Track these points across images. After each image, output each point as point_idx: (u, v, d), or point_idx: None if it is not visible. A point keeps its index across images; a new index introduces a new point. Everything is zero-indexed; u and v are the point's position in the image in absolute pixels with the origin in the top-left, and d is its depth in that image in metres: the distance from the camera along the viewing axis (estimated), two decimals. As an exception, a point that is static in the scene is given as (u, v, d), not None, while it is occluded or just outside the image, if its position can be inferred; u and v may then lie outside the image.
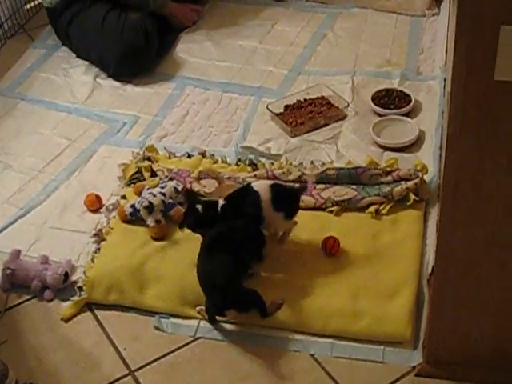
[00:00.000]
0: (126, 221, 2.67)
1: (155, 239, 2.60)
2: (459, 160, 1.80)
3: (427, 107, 3.13)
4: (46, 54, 3.67)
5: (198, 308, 2.38)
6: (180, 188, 2.69)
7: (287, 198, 2.49)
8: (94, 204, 2.76)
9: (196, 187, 2.74)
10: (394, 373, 2.21)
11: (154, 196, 2.64)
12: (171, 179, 2.76)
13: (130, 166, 2.89)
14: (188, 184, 2.75)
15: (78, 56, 3.58)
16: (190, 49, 3.57)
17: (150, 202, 2.62)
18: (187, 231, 2.50)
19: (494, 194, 1.84)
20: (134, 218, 2.66)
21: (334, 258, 2.49)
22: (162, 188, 2.69)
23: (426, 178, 2.73)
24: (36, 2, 3.97)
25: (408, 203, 2.64)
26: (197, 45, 3.59)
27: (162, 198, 2.64)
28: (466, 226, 1.91)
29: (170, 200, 2.65)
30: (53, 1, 3.50)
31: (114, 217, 2.70)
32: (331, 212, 2.65)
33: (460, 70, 1.67)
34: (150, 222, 2.62)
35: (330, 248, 2.49)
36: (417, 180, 2.67)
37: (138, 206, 2.64)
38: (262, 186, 2.46)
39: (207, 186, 2.75)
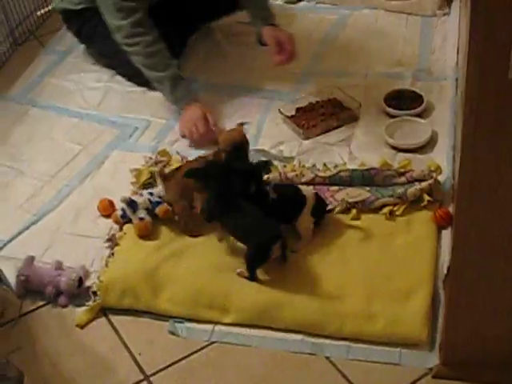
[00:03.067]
0: (119, 223, 2.70)
1: (140, 236, 2.63)
2: (474, 160, 1.79)
3: (439, 107, 3.12)
4: (57, 60, 3.67)
5: (238, 270, 2.44)
6: None
7: (322, 208, 2.60)
8: (107, 209, 2.76)
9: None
10: (410, 375, 2.19)
11: (142, 196, 2.69)
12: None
13: (143, 170, 2.88)
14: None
15: (100, 54, 3.55)
16: (202, 52, 3.57)
17: (131, 200, 2.66)
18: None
19: (509, 195, 1.83)
20: (125, 220, 2.68)
21: (347, 260, 2.48)
22: (152, 189, 2.73)
23: (440, 178, 2.72)
24: (47, 9, 3.98)
25: (422, 204, 2.63)
26: (209, 47, 3.58)
27: (149, 196, 2.68)
28: (481, 227, 1.90)
29: (157, 199, 2.68)
30: (79, 2, 3.42)
31: (127, 221, 2.70)
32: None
33: (474, 70, 1.66)
34: (134, 219, 2.64)
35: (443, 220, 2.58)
36: (431, 181, 2.66)
37: (124, 207, 2.67)
38: (308, 193, 2.58)
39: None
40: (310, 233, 2.56)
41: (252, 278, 2.43)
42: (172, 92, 3.12)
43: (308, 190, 2.60)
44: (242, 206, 2.47)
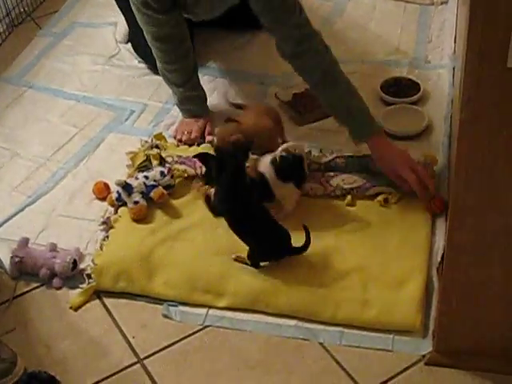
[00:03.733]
0: (114, 206, 2.70)
1: (135, 220, 2.63)
2: (471, 148, 1.79)
3: (436, 96, 3.12)
4: (54, 42, 3.66)
5: (233, 255, 2.44)
6: (166, 171, 2.72)
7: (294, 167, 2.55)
8: (103, 192, 2.76)
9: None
10: (403, 361, 2.20)
11: (137, 179, 2.69)
12: (181, 163, 2.81)
13: (139, 154, 2.88)
14: (198, 168, 2.76)
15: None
16: (200, 36, 3.55)
17: (127, 183, 2.67)
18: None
19: (505, 182, 1.83)
20: (120, 203, 2.69)
21: (343, 246, 2.49)
22: (148, 172, 2.73)
23: (435, 167, 2.72)
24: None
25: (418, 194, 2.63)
26: (207, 32, 3.56)
27: (144, 180, 2.69)
28: (476, 214, 1.90)
29: (152, 182, 2.68)
30: None
31: (122, 205, 2.69)
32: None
33: (472, 57, 1.66)
34: (129, 202, 2.65)
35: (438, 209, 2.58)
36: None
37: (119, 190, 2.67)
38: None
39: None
40: (292, 201, 2.58)
41: (256, 266, 2.44)
42: (179, 104, 3.08)
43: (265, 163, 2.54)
44: (253, 211, 2.42)
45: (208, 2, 2.99)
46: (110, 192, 2.75)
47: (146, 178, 2.70)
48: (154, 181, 2.69)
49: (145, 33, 2.96)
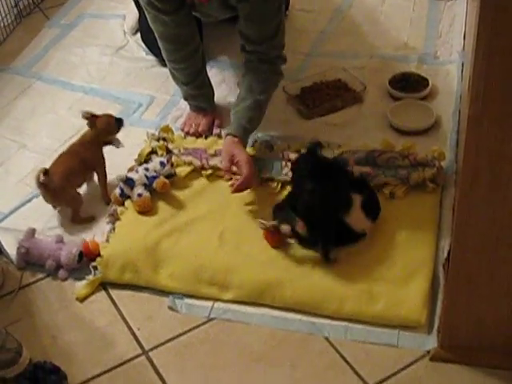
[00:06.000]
0: (120, 203, 2.69)
1: (140, 213, 2.63)
2: (479, 144, 1.79)
3: (444, 91, 3.11)
4: (62, 33, 3.67)
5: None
6: (166, 161, 2.73)
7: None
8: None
9: (212, 162, 2.78)
10: (408, 357, 2.20)
11: (137, 172, 2.70)
12: (187, 155, 2.82)
13: (145, 146, 2.88)
14: (204, 160, 2.77)
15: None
16: (209, 31, 3.55)
17: (128, 177, 2.67)
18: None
19: (512, 178, 1.83)
20: (124, 198, 2.69)
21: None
22: (147, 164, 2.75)
23: (443, 163, 2.71)
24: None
25: (427, 189, 2.63)
26: (217, 27, 3.56)
27: (145, 172, 2.69)
28: (483, 211, 1.90)
29: (153, 173, 2.69)
30: None
31: (129, 197, 2.69)
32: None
33: (482, 53, 1.65)
34: (133, 196, 2.65)
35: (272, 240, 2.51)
36: (434, 170, 2.64)
37: (121, 185, 2.68)
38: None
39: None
40: None
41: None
42: (185, 100, 3.10)
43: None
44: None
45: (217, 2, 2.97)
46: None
47: (147, 169, 2.70)
48: (155, 171, 2.70)
49: (153, 30, 2.95)
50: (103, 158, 2.75)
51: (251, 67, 2.86)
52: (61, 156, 2.70)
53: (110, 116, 2.77)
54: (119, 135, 2.80)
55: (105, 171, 2.75)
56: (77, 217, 2.66)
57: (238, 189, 2.59)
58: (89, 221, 2.67)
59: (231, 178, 2.67)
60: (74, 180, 2.67)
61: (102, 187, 2.74)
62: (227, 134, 2.71)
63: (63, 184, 2.61)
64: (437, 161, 2.68)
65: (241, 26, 2.82)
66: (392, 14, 3.61)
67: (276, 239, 2.49)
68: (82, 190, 2.75)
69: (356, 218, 2.43)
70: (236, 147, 2.65)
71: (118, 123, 2.76)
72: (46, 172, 2.57)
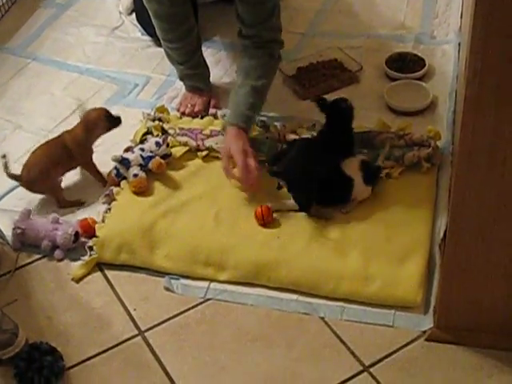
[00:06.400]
0: (116, 184, 2.68)
1: (136, 193, 2.63)
2: (475, 124, 1.78)
3: (441, 71, 3.11)
4: (57, 13, 3.66)
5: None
6: (161, 141, 2.73)
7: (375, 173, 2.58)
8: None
9: (208, 143, 2.77)
10: (404, 337, 2.20)
11: (133, 152, 2.69)
12: (183, 135, 2.81)
13: (141, 127, 2.88)
14: (200, 141, 2.77)
15: None
16: (204, 11, 3.53)
17: (123, 158, 2.66)
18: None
19: (508, 159, 1.82)
20: (120, 179, 2.68)
21: (345, 221, 2.49)
22: (143, 144, 2.74)
23: (439, 143, 2.71)
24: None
25: (421, 170, 2.63)
26: (212, 7, 3.54)
27: (140, 152, 2.68)
28: (479, 191, 1.90)
29: (149, 153, 2.68)
30: None
31: (125, 177, 2.69)
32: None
33: (479, 33, 1.64)
34: (128, 176, 2.65)
35: (262, 217, 2.49)
36: (429, 149, 2.64)
37: (117, 165, 2.67)
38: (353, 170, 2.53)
39: (219, 143, 2.75)
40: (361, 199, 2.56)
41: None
42: (181, 80, 3.08)
43: (352, 167, 2.53)
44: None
45: None
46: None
47: (142, 150, 2.70)
48: (151, 152, 2.69)
49: (148, 9, 2.93)
50: (90, 156, 2.70)
51: (247, 53, 2.84)
52: (42, 146, 2.66)
53: (101, 110, 2.70)
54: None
55: (92, 165, 2.70)
56: (62, 202, 2.65)
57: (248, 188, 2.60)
58: (76, 204, 2.65)
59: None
60: (52, 172, 2.62)
61: (94, 176, 2.72)
62: (229, 124, 2.67)
63: (37, 177, 2.59)
64: (432, 140, 2.68)
65: (237, 9, 2.81)
66: (389, -6, 3.60)
67: (266, 216, 2.49)
68: (76, 172, 2.75)
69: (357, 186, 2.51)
70: (235, 145, 2.60)
71: (111, 120, 2.68)
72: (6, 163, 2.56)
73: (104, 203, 2.64)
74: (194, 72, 3.03)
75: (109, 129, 2.69)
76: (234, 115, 2.71)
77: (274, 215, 2.52)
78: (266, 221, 2.49)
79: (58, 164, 2.63)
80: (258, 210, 2.50)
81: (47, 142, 2.68)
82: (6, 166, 2.57)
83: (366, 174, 2.52)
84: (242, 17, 2.81)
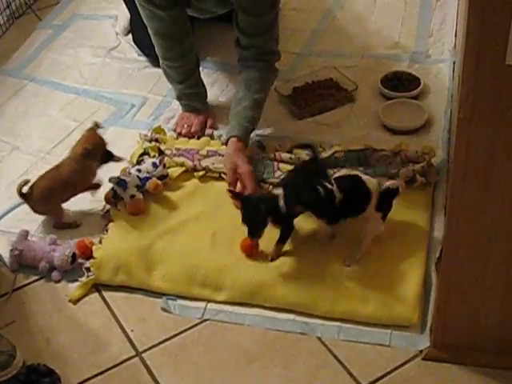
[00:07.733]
0: (112, 204, 2.69)
1: (133, 214, 2.63)
2: (469, 145, 1.79)
3: (436, 90, 3.12)
4: (54, 35, 3.67)
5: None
6: (158, 162, 2.73)
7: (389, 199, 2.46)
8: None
9: (205, 163, 2.78)
10: (400, 356, 2.20)
11: (130, 174, 2.70)
12: (179, 156, 2.82)
13: (137, 148, 2.89)
14: (197, 161, 2.78)
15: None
16: (201, 31, 3.55)
17: (120, 179, 2.67)
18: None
19: (503, 180, 1.83)
20: (117, 200, 2.68)
21: (341, 242, 2.49)
22: (140, 165, 2.74)
23: (434, 161, 2.72)
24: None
25: (415, 185, 2.63)
26: (209, 27, 3.56)
27: (137, 173, 2.69)
28: (474, 211, 1.91)
29: (146, 174, 2.69)
30: None
31: (122, 199, 2.69)
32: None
33: (471, 54, 1.66)
34: (125, 197, 2.65)
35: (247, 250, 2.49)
36: (423, 163, 2.65)
37: (114, 187, 2.68)
38: (373, 184, 2.41)
39: (216, 163, 2.76)
40: (373, 235, 2.45)
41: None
42: (178, 100, 3.09)
43: (372, 182, 2.42)
44: None
45: None
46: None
47: (139, 171, 2.71)
48: (147, 173, 2.70)
49: (148, 28, 2.95)
50: (90, 181, 2.67)
51: (246, 66, 2.87)
52: (50, 171, 2.66)
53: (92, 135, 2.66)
54: (112, 137, 2.80)
55: (94, 188, 2.69)
56: (59, 223, 2.66)
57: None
58: (73, 226, 2.66)
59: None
60: (55, 199, 2.63)
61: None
62: (231, 136, 2.71)
63: (42, 200, 2.61)
64: (427, 155, 2.69)
65: (237, 19, 2.83)
66: (383, 13, 3.62)
67: (250, 247, 2.48)
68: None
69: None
70: (239, 156, 2.66)
71: (105, 155, 2.64)
72: (26, 184, 2.59)
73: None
74: (192, 91, 3.04)
75: (105, 161, 2.67)
76: (236, 128, 2.75)
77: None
78: (254, 252, 2.48)
79: (58, 192, 2.64)
80: (242, 244, 2.49)
81: (53, 168, 2.67)
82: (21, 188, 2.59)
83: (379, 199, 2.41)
84: (242, 27, 2.83)
